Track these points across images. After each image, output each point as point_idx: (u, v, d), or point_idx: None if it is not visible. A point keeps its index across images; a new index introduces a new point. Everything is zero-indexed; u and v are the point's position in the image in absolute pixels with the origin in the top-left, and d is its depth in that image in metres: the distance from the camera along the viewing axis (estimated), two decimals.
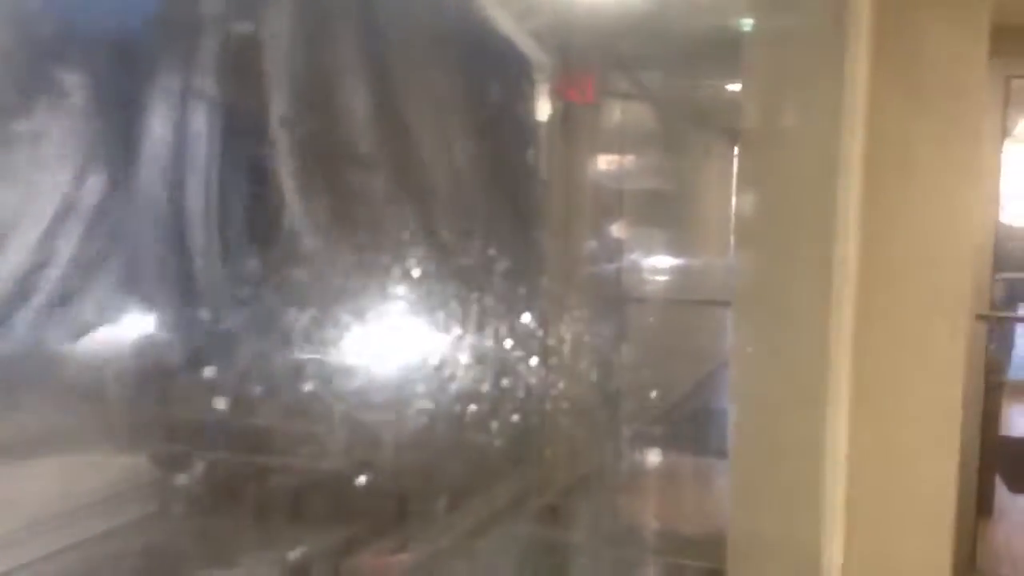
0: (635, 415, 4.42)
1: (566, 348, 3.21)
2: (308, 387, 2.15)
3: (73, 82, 1.88)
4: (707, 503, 3.51)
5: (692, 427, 4.81)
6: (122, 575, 2.28)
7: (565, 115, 3.35)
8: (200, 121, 1.89)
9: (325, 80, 1.95)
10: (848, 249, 1.43)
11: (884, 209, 1.46)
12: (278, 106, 1.90)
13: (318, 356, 2.14)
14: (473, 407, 2.49)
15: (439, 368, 2.36)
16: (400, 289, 2.19)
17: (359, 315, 2.16)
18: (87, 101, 1.89)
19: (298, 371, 2.16)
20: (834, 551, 1.47)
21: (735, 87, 4.48)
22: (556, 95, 3.26)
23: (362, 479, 2.27)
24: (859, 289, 1.43)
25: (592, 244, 4.13)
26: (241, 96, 1.94)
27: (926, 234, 1.50)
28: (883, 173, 1.45)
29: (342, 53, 1.97)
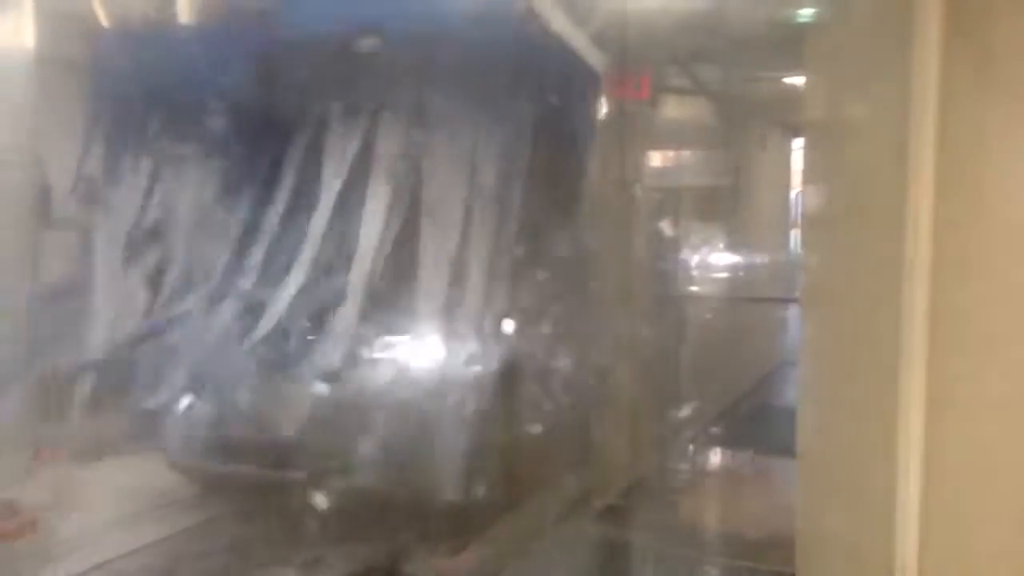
0: (693, 415, 4.38)
1: (626, 346, 3.19)
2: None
3: None
4: (769, 502, 3.46)
5: (753, 426, 4.75)
6: None
7: (621, 112, 3.33)
8: None
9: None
10: (920, 243, 1.39)
11: (956, 201, 1.41)
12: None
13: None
14: (533, 410, 2.49)
15: (506, 373, 2.41)
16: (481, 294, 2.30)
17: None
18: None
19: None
20: (909, 551, 1.43)
21: (792, 80, 4.41)
22: (612, 93, 3.24)
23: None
24: (932, 283, 1.39)
25: (649, 241, 4.10)
26: None
27: (1000, 226, 1.45)
28: (955, 164, 1.40)
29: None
